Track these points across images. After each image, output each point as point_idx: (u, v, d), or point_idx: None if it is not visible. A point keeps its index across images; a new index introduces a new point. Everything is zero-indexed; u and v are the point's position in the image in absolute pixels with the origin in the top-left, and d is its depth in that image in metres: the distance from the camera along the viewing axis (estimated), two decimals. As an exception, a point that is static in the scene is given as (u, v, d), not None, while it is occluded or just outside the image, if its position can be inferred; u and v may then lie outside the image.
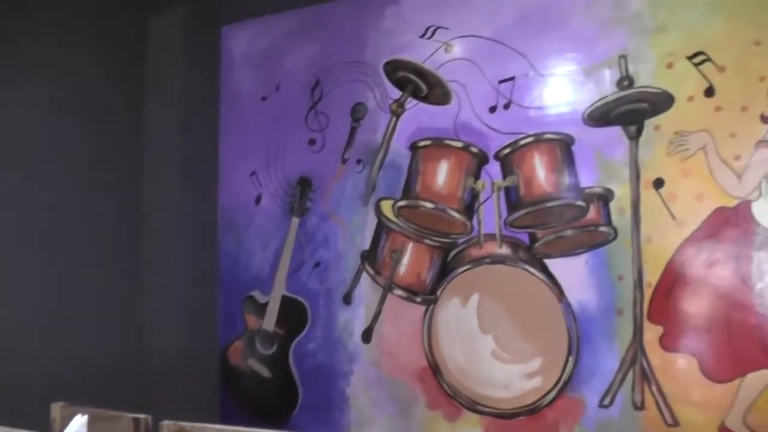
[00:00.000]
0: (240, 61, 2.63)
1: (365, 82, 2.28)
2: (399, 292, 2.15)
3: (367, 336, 2.24)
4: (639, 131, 1.95)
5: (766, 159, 1.82)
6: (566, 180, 2.02)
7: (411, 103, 2.22)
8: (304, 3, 2.37)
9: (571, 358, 1.96)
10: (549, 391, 1.97)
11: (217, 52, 2.65)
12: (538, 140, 2.02)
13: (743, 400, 1.79)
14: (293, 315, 2.36)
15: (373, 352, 2.23)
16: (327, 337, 2.32)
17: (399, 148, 2.23)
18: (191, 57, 2.49)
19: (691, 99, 1.90)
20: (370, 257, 2.13)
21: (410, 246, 2.14)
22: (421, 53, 2.20)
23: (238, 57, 2.64)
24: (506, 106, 2.08)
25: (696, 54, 1.91)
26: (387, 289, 2.16)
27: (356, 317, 2.27)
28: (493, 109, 2.10)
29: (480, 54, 2.13)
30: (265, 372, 2.44)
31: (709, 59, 1.89)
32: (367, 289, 2.25)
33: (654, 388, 1.88)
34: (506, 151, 2.07)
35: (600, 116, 1.98)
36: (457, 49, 2.17)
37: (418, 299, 2.13)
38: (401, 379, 2.18)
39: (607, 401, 1.93)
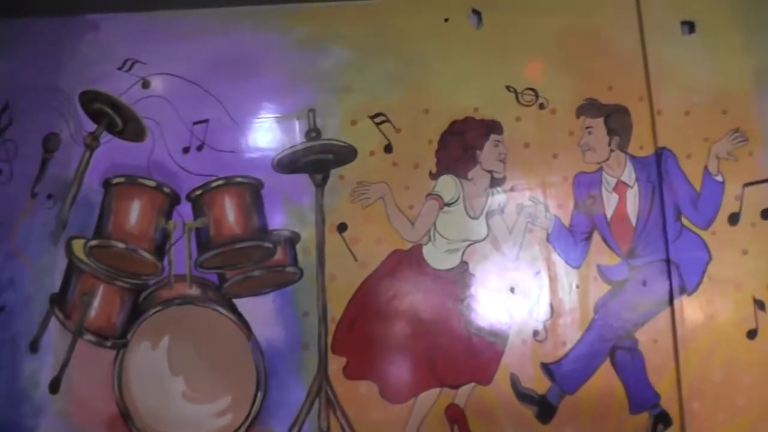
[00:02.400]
0: None
1: (59, 111, 2.47)
2: (89, 337, 2.36)
3: (55, 386, 2.40)
4: (325, 180, 2.46)
5: (433, 210, 2.44)
6: (255, 222, 2.44)
7: (106, 137, 2.47)
8: (-2, 14, 2.45)
9: (259, 393, 2.36)
10: (239, 427, 2.35)
11: None
12: (229, 183, 2.41)
13: (416, 417, 2.40)
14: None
15: (61, 402, 2.40)
16: (10, 389, 2.41)
17: (92, 184, 2.45)
18: None
19: (372, 153, 2.48)
20: (59, 300, 2.29)
21: (101, 288, 2.33)
22: (118, 86, 2.47)
23: None
24: (199, 148, 2.45)
25: (377, 114, 2.50)
26: (77, 334, 2.36)
27: (44, 366, 2.41)
28: (186, 150, 2.45)
29: (176, 93, 2.47)
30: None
31: (388, 120, 2.50)
32: (55, 335, 2.41)
33: (339, 414, 2.37)
34: (198, 192, 2.41)
35: (289, 163, 2.45)
36: (155, 86, 2.49)
37: (109, 344, 2.37)
38: (92, 429, 2.38)
39: (295, 430, 2.35)
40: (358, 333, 2.39)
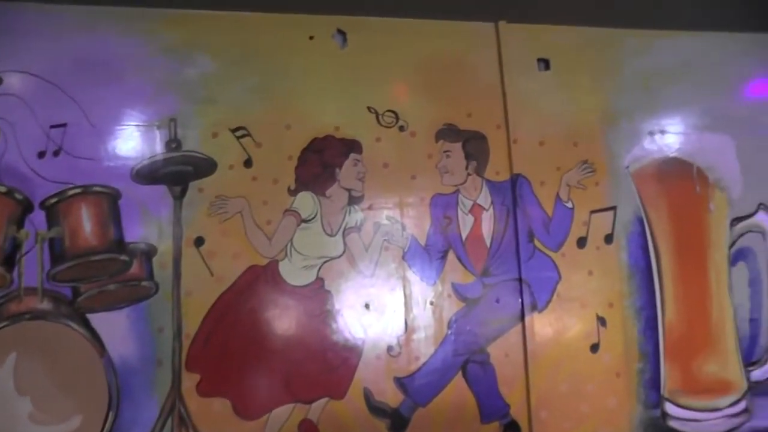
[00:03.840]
0: None
1: None
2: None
3: None
4: (183, 192, 2.63)
5: (291, 226, 2.66)
6: (112, 234, 2.57)
7: (-49, 139, 2.50)
8: None
9: (111, 413, 2.46)
10: (86, 449, 2.41)
11: None
12: (87, 192, 2.52)
13: (270, 433, 2.55)
14: None
15: None
16: None
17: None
18: None
19: (232, 167, 2.69)
20: None
21: (-54, 302, 2.35)
22: (-35, 82, 2.51)
23: None
24: (56, 153, 2.54)
25: (238, 128, 2.72)
26: None
27: None
28: (42, 155, 2.53)
29: (32, 93, 2.53)
30: None
31: (249, 134, 2.72)
32: None
33: (191, 432, 2.50)
34: (53, 200, 2.49)
35: (148, 174, 2.61)
36: (9, 84, 2.54)
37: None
38: None
39: (134, 452, 2.47)
40: (213, 349, 2.56)
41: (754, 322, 3.30)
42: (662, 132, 3.26)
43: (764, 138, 3.45)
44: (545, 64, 3.09)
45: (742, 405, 3.22)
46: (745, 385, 3.24)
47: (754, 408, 3.22)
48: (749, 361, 3.27)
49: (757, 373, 3.28)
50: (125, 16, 2.66)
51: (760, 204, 3.38)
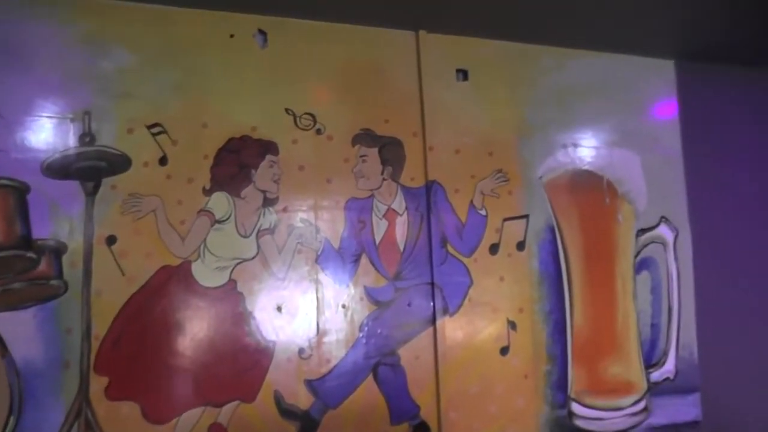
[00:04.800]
0: None
1: None
2: None
3: None
4: (96, 188, 2.73)
5: (204, 226, 2.82)
6: (18, 230, 2.61)
7: None
8: None
9: (12, 417, 2.51)
10: (-19, 454, 2.47)
11: None
12: (-7, 186, 2.55)
13: (179, 437, 2.68)
14: None
15: None
16: None
17: None
18: None
19: (146, 165, 2.80)
20: None
21: None
22: None
23: None
24: (-39, 144, 2.55)
25: (154, 125, 2.83)
26: None
27: None
28: (-53, 145, 2.54)
29: (-64, 80, 2.54)
30: None
31: (165, 132, 2.84)
32: None
33: (98, 437, 2.58)
34: (-44, 193, 2.52)
35: (60, 168, 2.67)
36: None
37: None
38: None
39: (47, 456, 2.54)
40: (123, 351, 2.65)
41: (654, 327, 3.72)
42: (575, 145, 3.60)
43: (667, 156, 3.89)
44: (464, 74, 3.36)
45: (642, 404, 3.63)
46: (645, 386, 3.65)
47: (653, 407, 3.64)
48: (650, 364, 3.68)
49: (656, 375, 3.70)
50: (39, 2, 2.71)
51: (662, 217, 3.79)
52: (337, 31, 3.17)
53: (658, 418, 3.66)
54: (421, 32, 3.28)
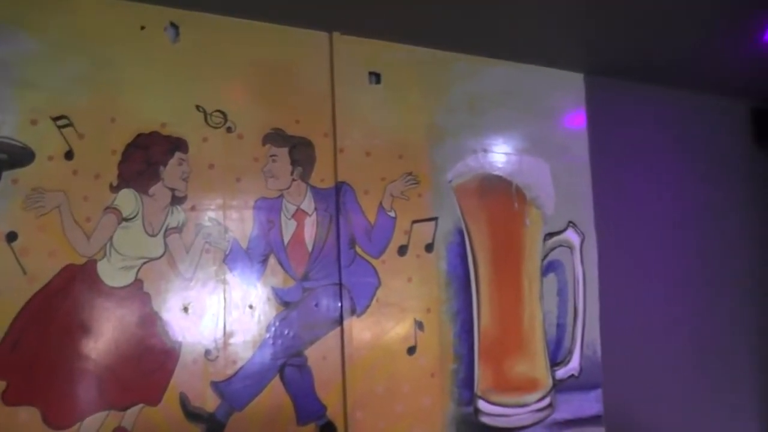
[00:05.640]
0: None
1: None
2: None
3: None
4: (-4, 182, 2.73)
5: (111, 224, 2.89)
6: None
7: None
8: None
9: None
10: None
11: None
12: None
13: (82, 444, 2.74)
14: None
15: None
16: None
17: None
18: None
19: (51, 158, 2.85)
20: None
21: None
22: None
23: None
24: None
25: (60, 117, 2.88)
26: None
27: None
28: None
29: None
30: None
31: (71, 124, 2.90)
32: None
33: (-8, 444, 2.63)
34: None
35: (-44, 161, 2.68)
36: None
37: None
38: None
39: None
40: (22, 354, 2.67)
41: (560, 326, 4.07)
42: (485, 151, 3.89)
43: (575, 164, 4.26)
44: (376, 78, 3.58)
45: (546, 401, 3.98)
46: (550, 383, 4.00)
47: (557, 403, 3.99)
48: (555, 362, 4.04)
49: (561, 372, 4.06)
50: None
51: (570, 222, 4.15)
52: (250, 29, 3.30)
53: (562, 414, 4.02)
54: (335, 34, 3.46)
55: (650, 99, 4.72)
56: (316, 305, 3.26)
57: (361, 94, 3.52)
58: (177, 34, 3.14)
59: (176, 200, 3.04)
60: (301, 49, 3.43)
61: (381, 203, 3.49)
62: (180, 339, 2.98)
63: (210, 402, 3.02)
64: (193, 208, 3.08)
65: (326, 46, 3.46)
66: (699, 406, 4.69)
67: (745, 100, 5.14)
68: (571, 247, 4.21)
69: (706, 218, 4.91)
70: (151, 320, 2.94)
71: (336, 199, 3.38)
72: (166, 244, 2.99)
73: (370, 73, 3.56)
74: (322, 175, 3.37)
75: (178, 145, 3.06)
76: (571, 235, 4.22)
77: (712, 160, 4.99)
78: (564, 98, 4.30)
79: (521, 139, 4.04)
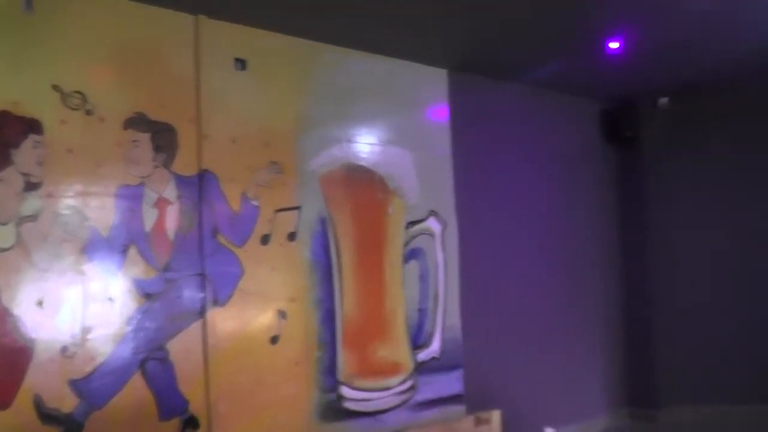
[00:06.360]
0: None
1: None
2: None
3: None
4: None
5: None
6: None
7: None
8: None
9: None
10: None
11: None
12: None
13: None
14: None
15: None
16: None
17: None
18: None
19: None
20: None
21: None
22: None
23: None
24: None
25: None
26: None
27: None
28: None
29: None
30: None
31: None
32: None
33: None
34: None
35: None
36: None
37: None
38: None
39: None
40: None
41: (422, 311, 4.37)
42: (350, 141, 4.08)
43: (437, 155, 4.55)
44: (242, 64, 3.65)
45: (409, 383, 4.27)
46: (412, 366, 4.29)
47: (419, 384, 4.29)
48: (417, 345, 4.32)
49: (422, 355, 4.36)
50: None
51: (431, 211, 4.44)
52: (114, 5, 3.23)
53: (424, 395, 4.32)
54: (201, 17, 3.47)
55: (510, 96, 5.12)
56: (179, 296, 3.30)
57: (227, 80, 3.57)
58: (30, 3, 2.98)
59: (30, 186, 2.93)
60: (166, 31, 3.41)
61: (245, 192, 3.57)
62: (33, 336, 2.89)
63: (68, 402, 2.96)
64: (50, 195, 2.99)
65: (192, 29, 3.47)
66: (552, 381, 5.20)
67: (595, 101, 5.78)
68: (432, 235, 4.51)
69: (560, 207, 5.43)
70: (1, 316, 2.81)
71: (199, 187, 3.41)
72: (18, 234, 2.88)
73: (236, 59, 3.62)
74: (185, 162, 3.39)
75: (32, 126, 2.93)
76: (432, 224, 4.52)
77: (566, 153, 5.53)
78: (428, 92, 4.57)
79: (386, 130, 4.26)
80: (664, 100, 5.38)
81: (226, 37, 3.56)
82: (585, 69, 4.77)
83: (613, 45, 4.20)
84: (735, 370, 5.35)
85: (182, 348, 3.29)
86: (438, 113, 4.51)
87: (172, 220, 3.31)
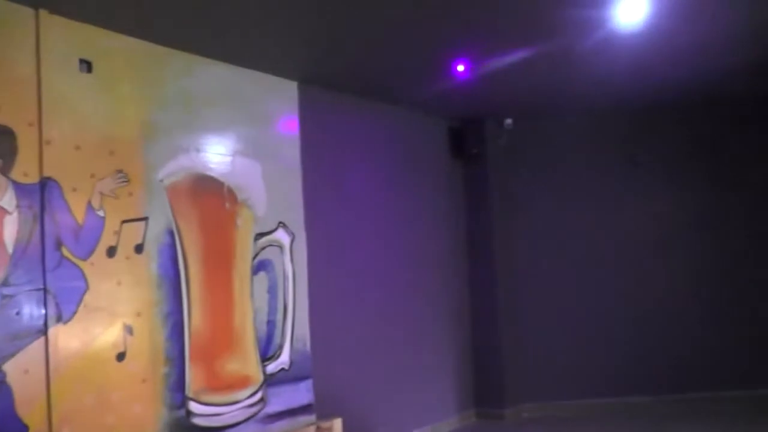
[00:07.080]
0: None
1: None
2: None
3: None
4: None
5: None
6: None
7: None
8: None
9: None
10: None
11: None
12: None
13: None
14: None
15: None
16: None
17: None
18: None
19: None
20: None
21: None
22: None
23: None
24: None
25: None
26: None
27: None
28: None
29: None
30: None
31: None
32: None
33: None
34: None
35: None
36: None
37: None
38: None
39: None
40: None
41: (270, 323, 4.40)
42: (198, 151, 4.04)
43: (287, 167, 4.62)
44: (88, 66, 3.52)
45: (258, 395, 4.29)
46: (261, 378, 4.31)
47: (269, 396, 4.32)
48: (266, 357, 4.35)
49: (272, 367, 4.41)
50: None
51: (280, 222, 4.48)
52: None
53: (274, 406, 4.36)
54: (42, 11, 3.31)
55: (362, 111, 5.33)
56: (18, 313, 3.13)
57: (71, 81, 3.44)
58: None
59: None
60: (5, 25, 3.21)
61: (90, 201, 3.45)
62: None
63: None
64: None
65: (32, 24, 3.29)
66: (402, 386, 5.44)
67: (444, 119, 6.20)
68: (281, 247, 4.56)
69: (409, 218, 5.72)
70: None
71: (41, 195, 3.26)
72: None
73: (81, 60, 3.49)
74: (25, 169, 3.23)
75: None
76: (281, 235, 4.57)
77: (415, 167, 5.85)
78: (278, 104, 4.63)
79: (235, 140, 4.27)
80: (509, 121, 6.00)
81: (71, 35, 3.42)
82: (433, 88, 5.09)
83: (460, 68, 4.49)
84: (578, 368, 6.09)
85: (21, 369, 3.11)
86: (288, 125, 4.59)
87: (10, 231, 3.13)
